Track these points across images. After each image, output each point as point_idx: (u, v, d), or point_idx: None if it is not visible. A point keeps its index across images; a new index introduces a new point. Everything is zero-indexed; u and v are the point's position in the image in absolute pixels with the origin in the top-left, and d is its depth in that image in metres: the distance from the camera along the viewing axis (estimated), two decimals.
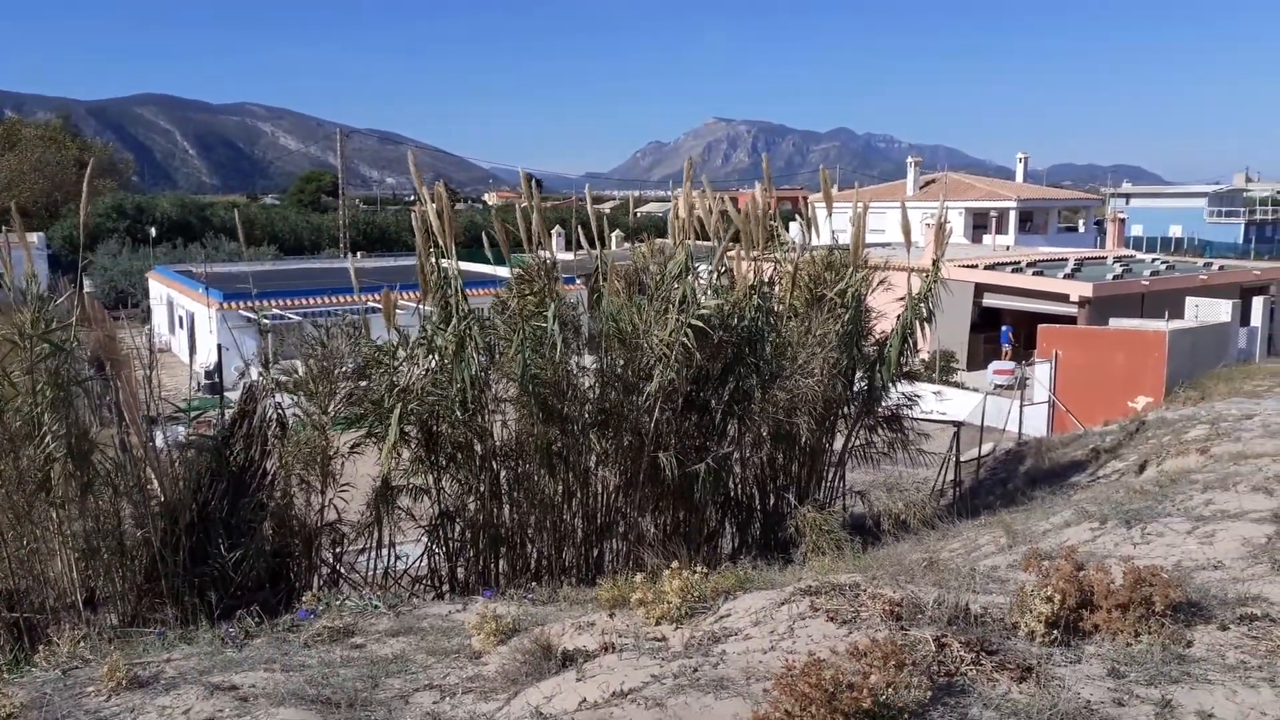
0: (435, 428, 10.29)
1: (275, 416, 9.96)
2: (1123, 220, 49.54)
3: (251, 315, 27.33)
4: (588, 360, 11.25)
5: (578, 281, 13.03)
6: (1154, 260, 38.86)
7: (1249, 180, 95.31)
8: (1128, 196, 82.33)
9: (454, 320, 10.60)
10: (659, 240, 13.58)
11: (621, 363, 11.02)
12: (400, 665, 4.78)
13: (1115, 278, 31.42)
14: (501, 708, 3.95)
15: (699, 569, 5.57)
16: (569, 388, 10.65)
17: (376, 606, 6.07)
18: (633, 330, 10.96)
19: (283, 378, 10.00)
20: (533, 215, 11.13)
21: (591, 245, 12.02)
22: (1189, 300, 26.69)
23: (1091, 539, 6.76)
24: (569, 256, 13.83)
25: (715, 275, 12.26)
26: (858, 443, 12.78)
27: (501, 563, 10.63)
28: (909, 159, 53.46)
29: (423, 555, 10.43)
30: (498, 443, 10.59)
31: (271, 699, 4.09)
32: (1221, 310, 25.26)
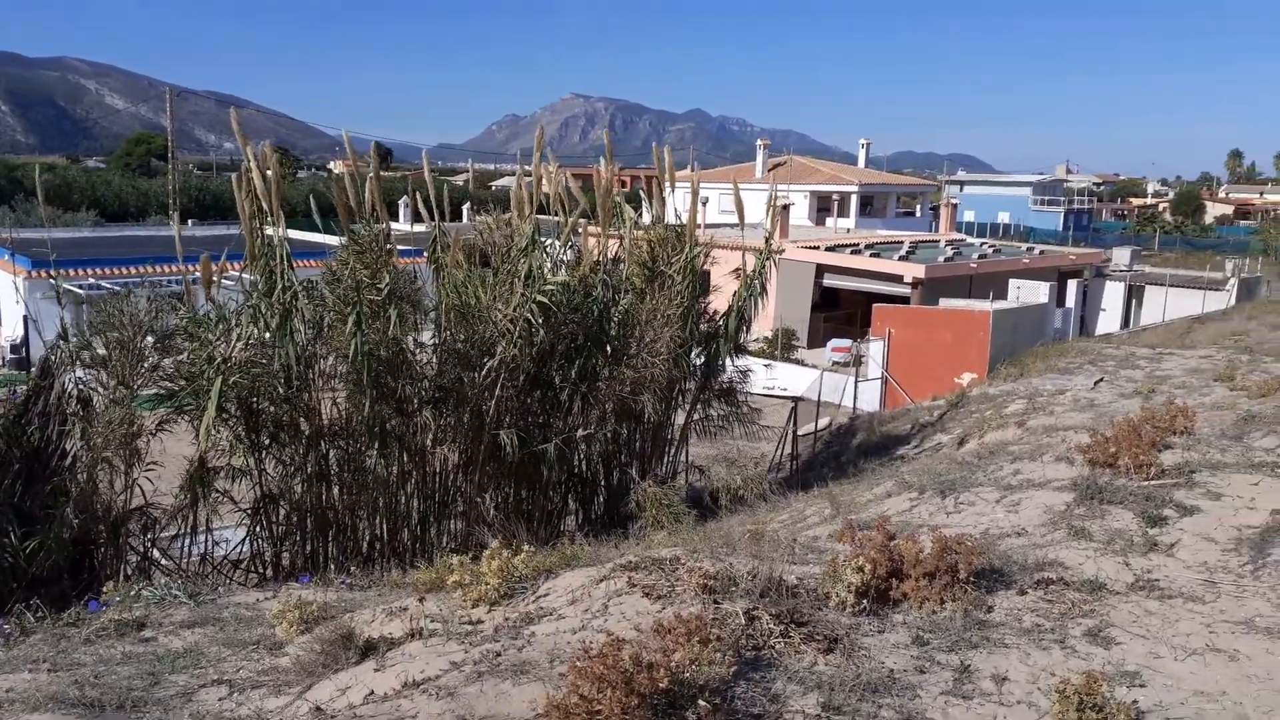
0: (257, 404, 9.73)
1: (76, 393, 9.19)
2: (955, 206, 52.16)
3: (66, 285, 25.30)
4: (426, 336, 10.89)
5: (424, 254, 12.59)
6: (982, 244, 41.05)
7: (1069, 172, 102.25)
8: (961, 184, 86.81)
9: (278, 290, 10.05)
10: (506, 214, 13.28)
11: (462, 338, 10.72)
12: (190, 659, 4.43)
13: (946, 260, 32.99)
14: (291, 703, 3.69)
15: (526, 548, 5.43)
16: (405, 364, 10.28)
17: (176, 596, 5.64)
18: (475, 304, 10.68)
19: (83, 351, 9.21)
20: (368, 183, 10.66)
21: (432, 216, 11.62)
22: (1012, 282, 28.33)
23: (909, 509, 7.00)
24: (421, 228, 13.34)
25: (562, 250, 12.08)
26: (698, 418, 12.93)
27: (331, 546, 10.19)
28: (759, 142, 54.57)
29: (244, 540, 9.88)
30: (326, 421, 10.13)
31: (26, 704, 3.69)
32: (1041, 292, 26.94)
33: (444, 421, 10.47)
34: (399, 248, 11.05)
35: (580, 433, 11.46)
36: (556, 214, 12.17)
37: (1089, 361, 17.08)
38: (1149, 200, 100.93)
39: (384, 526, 10.33)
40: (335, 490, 10.11)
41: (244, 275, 10.80)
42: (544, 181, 11.90)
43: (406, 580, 5.65)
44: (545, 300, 10.23)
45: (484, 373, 10.39)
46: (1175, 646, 4.45)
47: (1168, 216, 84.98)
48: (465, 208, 34.28)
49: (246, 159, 10.15)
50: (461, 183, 55.37)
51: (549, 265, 11.44)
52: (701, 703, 3.06)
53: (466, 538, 10.49)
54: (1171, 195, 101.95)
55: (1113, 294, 35.15)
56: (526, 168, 12.25)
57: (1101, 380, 15.06)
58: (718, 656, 3.31)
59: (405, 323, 10.15)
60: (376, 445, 9.88)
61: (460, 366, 10.54)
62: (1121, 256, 36.92)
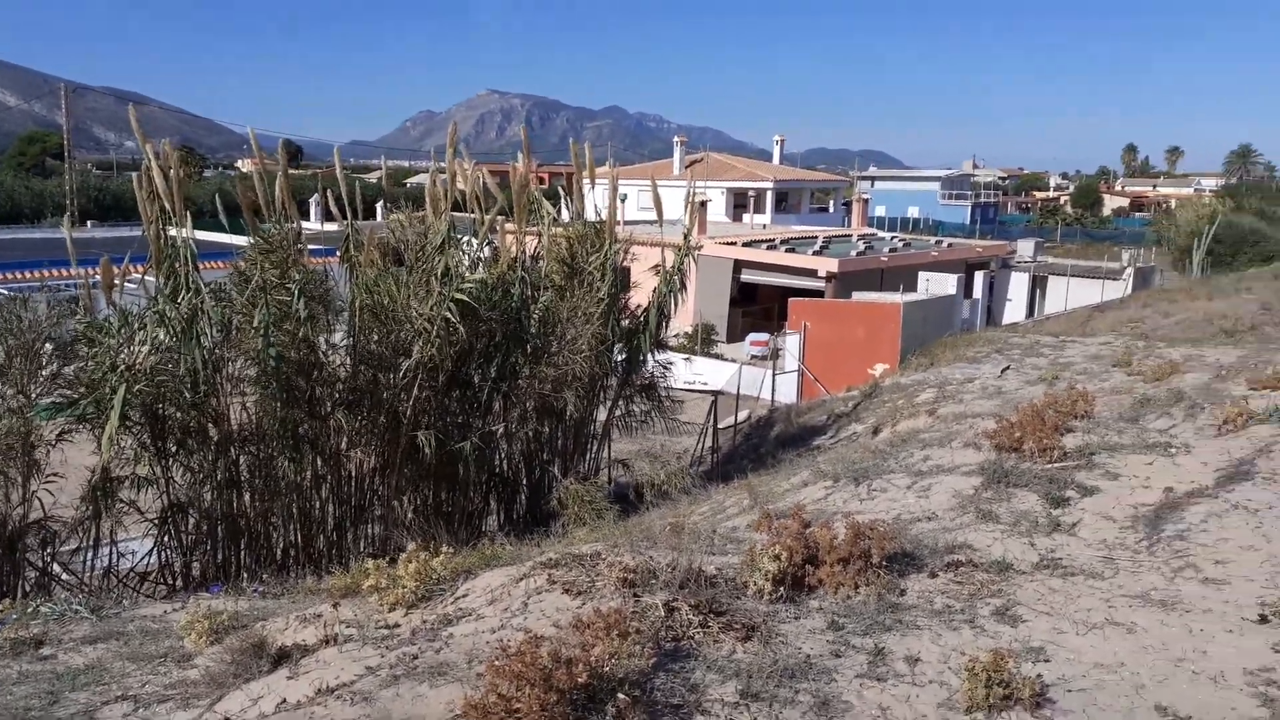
0: (163, 411, 9.41)
1: None
2: (867, 201, 53.30)
3: None
4: (338, 337, 10.67)
5: (336, 253, 12.32)
6: (893, 238, 42.02)
7: (975, 167, 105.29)
8: (873, 179, 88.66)
9: (183, 293, 9.74)
10: (420, 211, 13.10)
11: (376, 338, 10.54)
12: (93, 676, 4.26)
13: (858, 254, 33.67)
14: (200, 715, 3.58)
15: (445, 549, 5.37)
16: (317, 365, 10.06)
17: (77, 611, 5.42)
18: (389, 304, 10.50)
19: None
20: (277, 180, 10.40)
21: (344, 215, 11.38)
22: (921, 275, 29.04)
23: (825, 497, 7.13)
24: (332, 227, 13.05)
25: (479, 248, 11.97)
26: (620, 413, 12.95)
27: (243, 554, 9.92)
28: (676, 139, 54.87)
29: (151, 551, 9.54)
30: (236, 426, 9.85)
31: None
32: (949, 284, 27.67)
33: (359, 424, 10.28)
34: (310, 247, 10.81)
35: (500, 431, 11.39)
36: (473, 211, 12.06)
37: (996, 350, 17.63)
38: (1051, 194, 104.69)
39: (298, 533, 10.09)
40: (247, 497, 9.84)
41: (146, 278, 10.44)
42: (459, 178, 11.76)
43: (321, 587, 5.53)
44: (464, 298, 10.12)
45: (400, 373, 10.24)
46: (1077, 622, 4.62)
47: (1069, 209, 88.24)
48: (379, 205, 33.67)
49: (146, 158, 9.80)
50: (375, 180, 54.32)
51: (466, 263, 11.32)
52: (621, 696, 3.07)
53: (384, 542, 10.33)
54: (1072, 189, 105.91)
55: (1018, 285, 36.36)
56: (441, 164, 12.10)
57: (1008, 368, 15.56)
58: (637, 649, 3.33)
59: (317, 324, 9.93)
60: (289, 450, 9.65)
61: (375, 367, 10.37)
62: (1026, 248, 38.18)
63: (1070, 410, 7.94)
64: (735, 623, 4.01)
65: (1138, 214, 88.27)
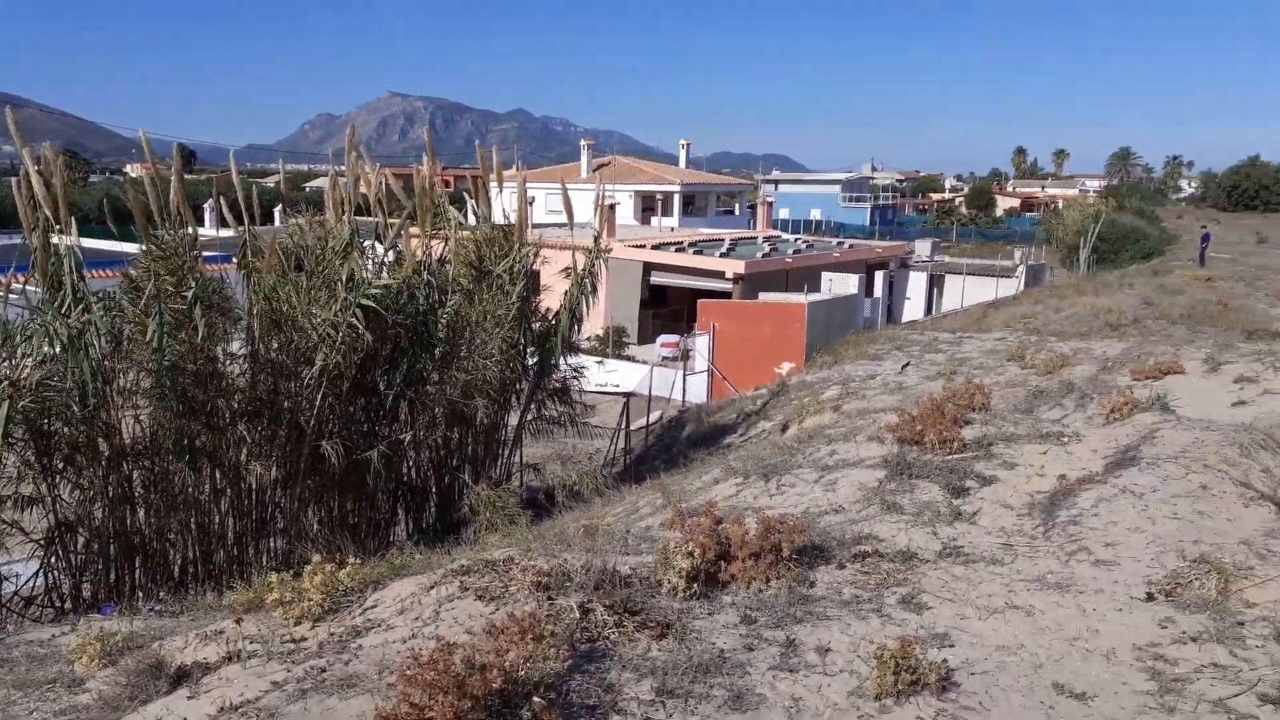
0: (49, 426, 8.96)
1: None
2: (771, 204, 54.18)
3: None
4: (236, 346, 10.33)
5: (233, 260, 11.93)
6: (797, 240, 42.83)
7: (874, 170, 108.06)
8: (776, 183, 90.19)
9: (70, 303, 9.30)
10: (321, 215, 12.80)
11: (276, 346, 10.24)
12: None
13: (764, 256, 34.22)
14: None
15: (352, 560, 5.25)
16: (215, 375, 9.72)
17: None
18: (289, 310, 10.22)
19: None
20: (171, 185, 10.02)
21: (240, 220, 11.04)
22: (824, 275, 29.67)
23: (736, 494, 7.22)
24: (228, 233, 12.65)
25: (385, 252, 11.74)
26: (532, 418, 12.87)
27: (138, 573, 9.51)
28: (583, 142, 54.88)
29: (37, 573, 9.07)
30: (129, 440, 9.45)
31: None
32: (851, 284, 28.35)
33: (260, 435, 9.97)
34: (205, 254, 10.44)
35: (408, 439, 11.19)
36: (376, 215, 11.82)
37: (896, 347, 18.13)
38: (946, 195, 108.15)
39: (196, 548, 9.73)
40: (141, 513, 9.45)
41: (28, 288, 9.94)
42: (362, 181, 11.53)
43: (223, 603, 5.35)
44: (370, 304, 9.92)
45: (303, 382, 9.98)
46: (979, 607, 4.78)
47: (963, 210, 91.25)
48: (277, 210, 32.77)
49: (25, 163, 9.35)
50: (273, 184, 52.80)
51: (369, 267, 11.10)
52: (536, 699, 3.05)
53: (289, 555, 10.04)
54: (966, 190, 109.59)
55: (916, 283, 37.49)
56: (341, 167, 11.84)
57: (908, 364, 16.01)
58: (552, 652, 3.31)
59: (215, 333, 9.60)
60: (186, 463, 9.30)
61: (276, 376, 10.08)
62: (923, 248, 39.39)
63: (968, 403, 8.21)
64: (650, 621, 4.02)
65: (1028, 214, 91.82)
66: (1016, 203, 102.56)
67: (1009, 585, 5.03)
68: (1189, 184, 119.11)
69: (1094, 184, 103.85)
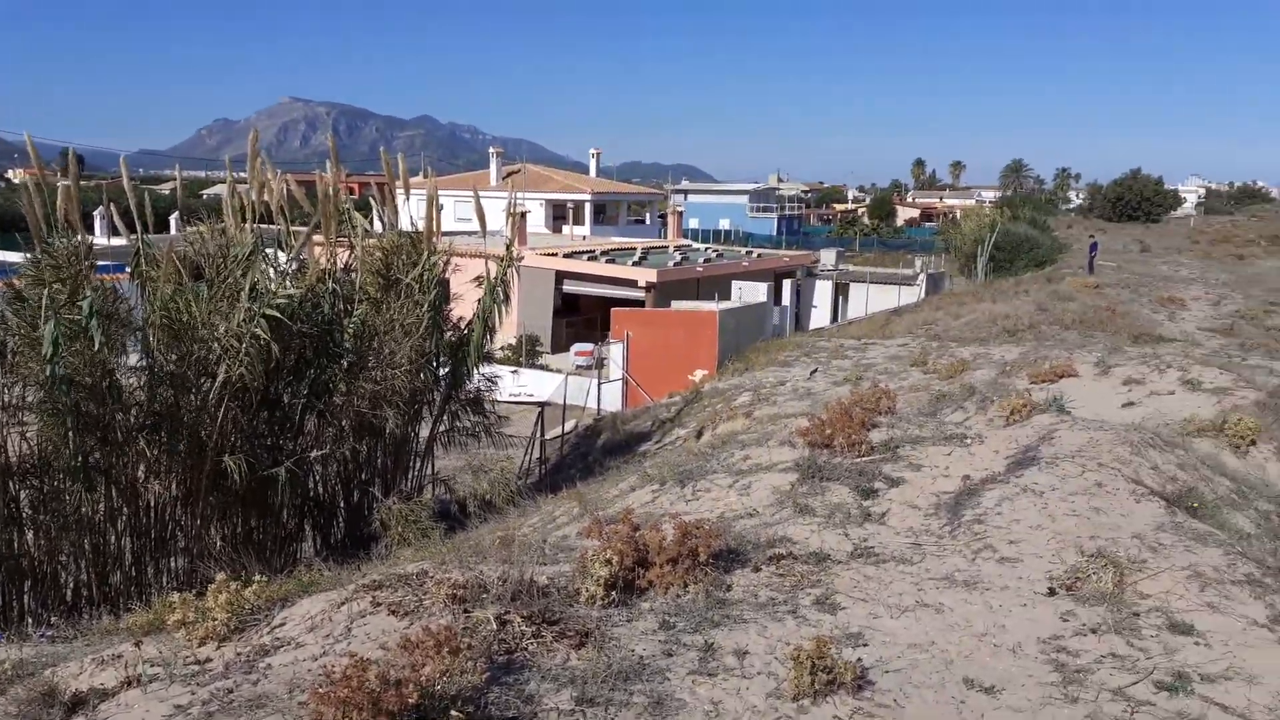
0: None
1: None
2: (681, 214, 54.64)
3: None
4: (131, 359, 9.92)
5: (126, 269, 11.45)
6: (707, 249, 43.27)
7: (780, 181, 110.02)
8: (685, 192, 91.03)
9: None
10: (221, 223, 12.40)
11: (174, 358, 9.86)
12: None
13: (675, 265, 34.46)
14: None
15: (258, 578, 5.08)
16: (113, 389, 9.30)
17: None
18: (190, 321, 9.86)
19: None
20: (62, 191, 9.58)
21: (133, 228, 10.62)
22: (734, 284, 30.07)
23: (652, 500, 7.24)
24: (120, 241, 12.16)
25: (291, 260, 11.43)
26: (445, 429, 12.67)
27: (27, 598, 9.03)
28: (492, 149, 54.46)
29: None
30: (15, 458, 8.97)
31: None
32: (760, 292, 28.80)
33: (159, 450, 9.58)
34: (96, 263, 10.01)
35: (315, 453, 10.89)
36: (278, 223, 11.51)
37: (804, 354, 18.47)
38: (849, 206, 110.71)
39: (91, 570, 9.30)
40: (30, 535, 8.98)
41: None
42: (264, 188, 11.21)
43: (121, 626, 5.11)
44: (275, 314, 9.63)
45: (204, 395, 9.63)
46: (891, 606, 4.89)
47: (866, 220, 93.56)
48: (173, 218, 31.60)
49: None
50: (168, 191, 50.93)
51: (272, 276, 10.80)
52: (454, 713, 2.99)
53: (191, 575, 9.66)
54: (868, 201, 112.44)
55: (822, 292, 38.24)
56: (240, 174, 11.50)
57: (816, 370, 16.32)
58: (469, 665, 3.26)
59: (113, 344, 9.21)
60: (80, 481, 8.87)
61: (176, 389, 9.71)
62: (828, 257, 40.21)
63: (875, 407, 8.40)
64: (569, 630, 4.00)
65: (927, 224, 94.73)
66: (916, 213, 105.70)
67: (919, 584, 5.16)
68: (1077, 195, 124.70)
69: (989, 194, 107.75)
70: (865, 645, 4.41)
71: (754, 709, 3.73)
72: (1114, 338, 16.64)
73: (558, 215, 51.12)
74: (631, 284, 31.66)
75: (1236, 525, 6.35)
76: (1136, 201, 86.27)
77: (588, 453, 17.37)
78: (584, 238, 45.96)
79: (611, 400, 23.51)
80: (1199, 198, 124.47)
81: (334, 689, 2.77)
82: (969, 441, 7.55)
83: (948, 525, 6.00)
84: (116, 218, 10.55)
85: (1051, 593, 5.09)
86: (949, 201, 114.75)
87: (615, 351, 24.46)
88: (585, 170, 61.52)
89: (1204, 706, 3.93)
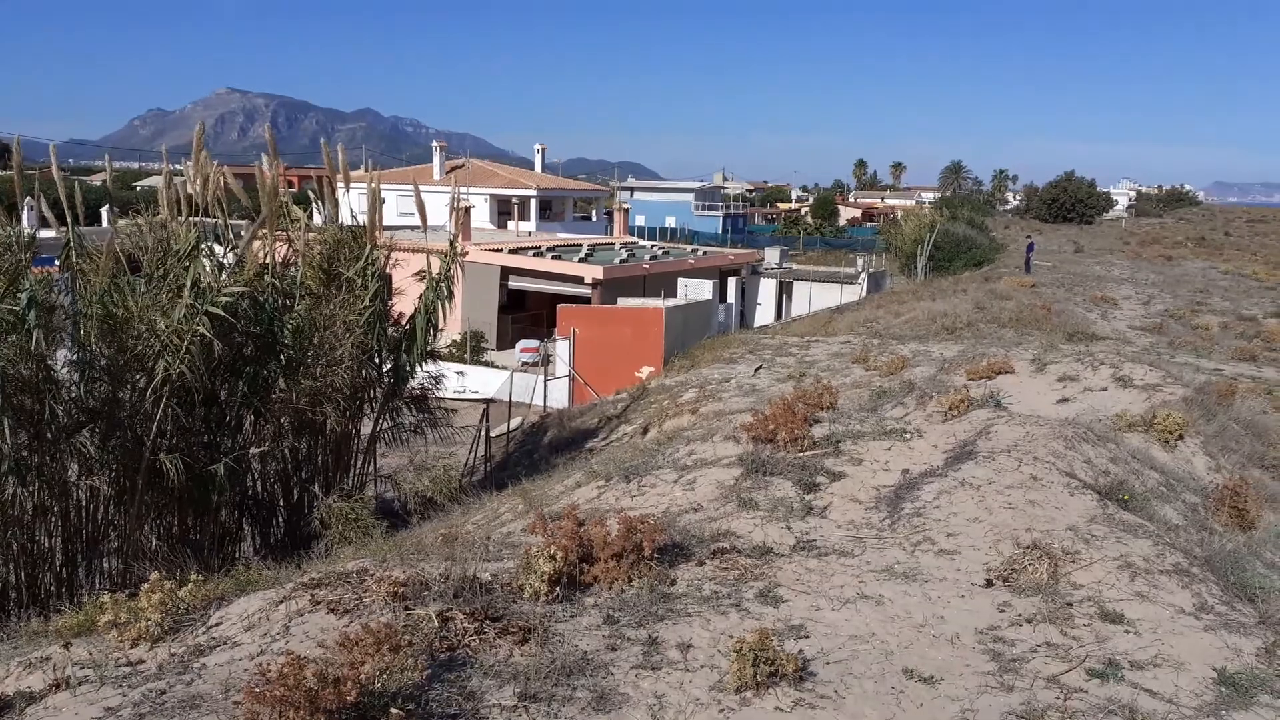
0: None
1: None
2: (627, 211, 54.65)
3: None
4: (61, 353, 9.63)
5: (55, 262, 11.12)
6: (653, 246, 43.34)
7: (725, 179, 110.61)
8: (632, 190, 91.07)
9: None
10: (160, 216, 12.09)
11: (107, 354, 9.59)
12: None
13: (622, 262, 34.43)
14: None
15: (194, 577, 4.97)
16: (49, 383, 9.02)
17: None
18: (125, 316, 9.60)
19: None
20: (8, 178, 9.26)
21: (63, 220, 10.31)
22: (680, 281, 30.15)
23: (598, 496, 7.23)
24: (48, 233, 11.80)
25: (239, 253, 11.19)
26: (387, 426, 12.52)
27: None
28: (435, 144, 53.85)
29: None
30: None
31: None
32: (705, 289, 28.91)
33: (93, 448, 9.32)
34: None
35: (253, 450, 10.69)
36: (215, 216, 11.26)
37: (749, 351, 18.62)
38: (793, 205, 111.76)
39: (19, 571, 9.01)
40: None
41: None
42: (206, 181, 10.95)
43: (50, 627, 4.96)
44: (219, 311, 9.43)
45: (140, 392, 9.39)
46: (832, 598, 4.95)
47: (809, 219, 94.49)
48: (104, 210, 30.75)
49: None
50: (99, 182, 49.52)
51: (211, 269, 10.57)
52: (394, 710, 2.95)
53: (125, 575, 9.42)
54: (811, 200, 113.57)
55: (767, 290, 38.58)
56: (175, 166, 11.22)
57: (761, 367, 16.45)
58: (410, 662, 3.22)
59: (53, 337, 8.95)
60: (10, 479, 8.58)
61: (112, 385, 9.45)
62: (772, 256, 40.56)
63: (817, 403, 8.50)
64: (512, 626, 3.97)
65: (869, 223, 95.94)
66: (858, 213, 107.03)
67: (859, 576, 5.23)
68: (1014, 196, 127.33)
69: (929, 195, 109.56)
70: (807, 637, 4.45)
71: (697, 701, 3.75)
72: (1049, 336, 17.03)
73: (503, 211, 50.78)
74: (578, 281, 31.58)
75: (1165, 517, 6.54)
76: (1071, 203, 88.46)
77: (534, 450, 17.30)
78: (529, 234, 45.73)
79: (558, 397, 23.43)
80: (1130, 200, 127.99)
81: (270, 688, 2.71)
82: (908, 436, 7.67)
83: (888, 518, 6.09)
84: (46, 209, 10.23)
85: (989, 584, 5.20)
86: (890, 202, 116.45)
87: (561, 348, 24.37)
88: (531, 166, 61.20)
89: (1133, 693, 4.04)
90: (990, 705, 3.87)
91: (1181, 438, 8.79)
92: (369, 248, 11.38)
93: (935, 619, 4.74)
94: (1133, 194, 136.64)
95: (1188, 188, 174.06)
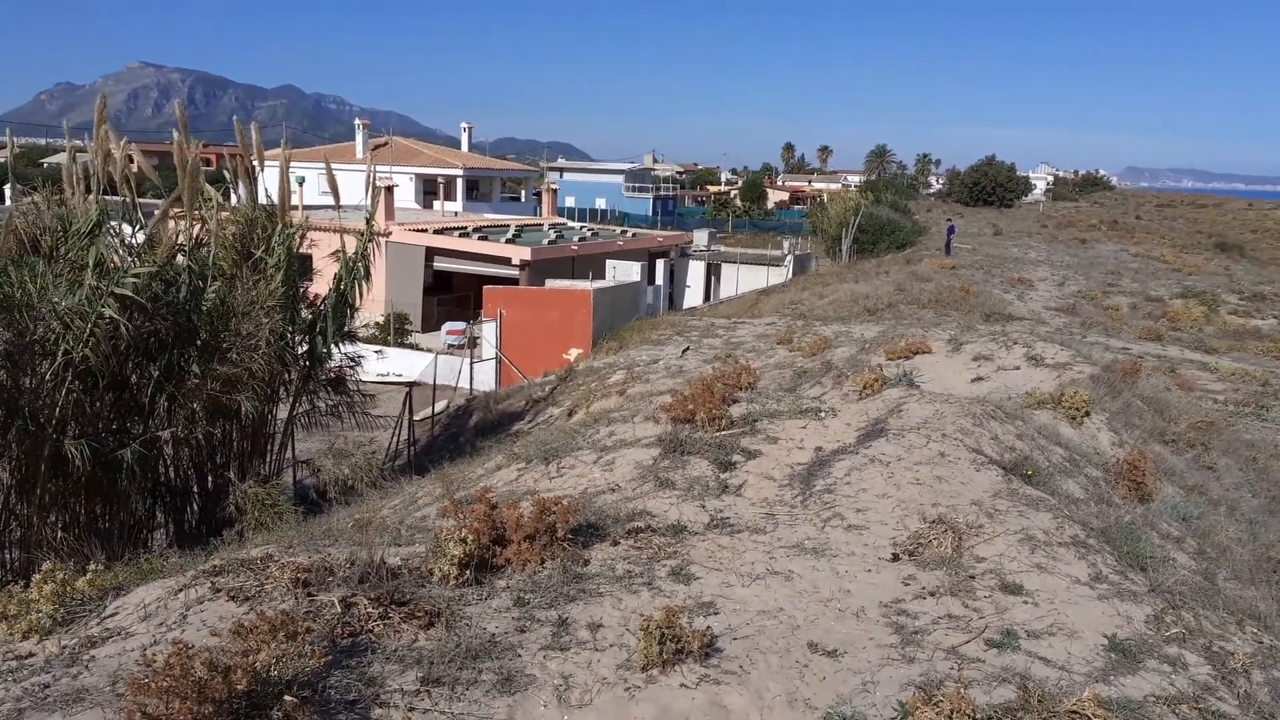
0: None
1: None
2: (556, 192, 54.31)
3: None
4: None
5: None
6: (582, 228, 43.19)
7: (655, 161, 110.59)
8: (561, 170, 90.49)
9: None
10: (60, 194, 11.61)
11: (7, 336, 9.20)
12: None
13: (550, 243, 34.25)
14: None
15: (93, 567, 4.82)
16: None
17: None
18: (23, 297, 9.22)
19: None
20: None
21: None
22: (609, 263, 30.12)
23: (516, 478, 7.20)
24: None
25: (133, 233, 10.81)
26: (304, 410, 12.27)
27: None
28: (358, 121, 52.75)
29: None
30: None
31: None
32: (634, 271, 28.92)
33: None
34: None
35: (165, 435, 10.38)
36: (124, 194, 10.87)
37: (677, 333, 18.69)
38: (722, 188, 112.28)
39: None
40: None
41: None
42: (107, 157, 10.55)
43: None
44: (128, 293, 9.11)
45: (41, 376, 9.04)
46: (743, 574, 5.01)
47: (738, 202, 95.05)
48: (6, 187, 29.44)
49: None
50: (1, 159, 47.45)
51: (119, 251, 10.22)
52: (288, 698, 2.90)
53: (27, 568, 9.08)
54: (740, 183, 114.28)
55: (695, 272, 38.78)
56: (79, 142, 10.80)
57: (688, 348, 16.54)
58: (309, 649, 3.16)
59: None
60: None
61: (10, 369, 9.07)
62: (701, 238, 40.75)
63: (736, 383, 8.57)
64: (418, 611, 3.93)
65: (796, 206, 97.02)
66: (786, 196, 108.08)
67: (770, 552, 5.30)
68: (937, 180, 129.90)
69: (855, 179, 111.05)
70: (716, 614, 4.50)
71: (604, 680, 3.77)
72: (967, 316, 17.45)
73: (428, 191, 50.01)
74: (505, 262, 31.31)
75: (1067, 491, 6.77)
76: (991, 187, 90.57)
77: (459, 433, 17.15)
78: (456, 214, 45.15)
79: (484, 380, 23.25)
80: (1048, 184, 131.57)
81: (155, 679, 2.64)
82: (823, 415, 7.79)
83: (800, 495, 6.18)
84: None
85: (895, 558, 5.32)
86: (817, 185, 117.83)
87: (488, 330, 24.16)
88: (458, 145, 60.34)
89: (1028, 661, 4.18)
90: (891, 677, 3.97)
91: (1088, 414, 9.09)
92: (280, 226, 11.10)
93: (842, 593, 4.84)
94: (1050, 178, 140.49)
95: (1102, 173, 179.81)
